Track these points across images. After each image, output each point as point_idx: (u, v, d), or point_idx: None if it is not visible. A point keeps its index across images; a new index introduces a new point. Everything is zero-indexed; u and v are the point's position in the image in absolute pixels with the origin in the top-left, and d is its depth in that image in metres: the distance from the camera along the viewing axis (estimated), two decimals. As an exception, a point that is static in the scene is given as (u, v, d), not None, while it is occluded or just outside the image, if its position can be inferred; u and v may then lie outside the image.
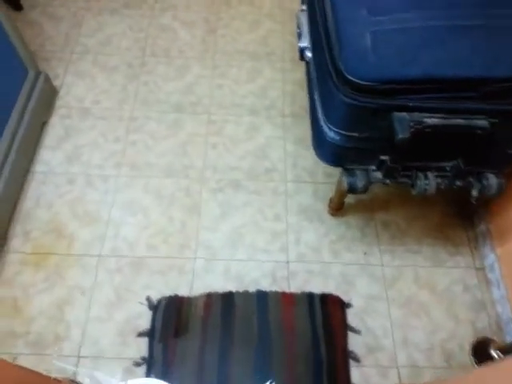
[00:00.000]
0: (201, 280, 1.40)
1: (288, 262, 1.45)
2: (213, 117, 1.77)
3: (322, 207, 1.56)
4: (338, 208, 1.47)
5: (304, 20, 1.25)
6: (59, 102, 1.77)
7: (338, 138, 1.04)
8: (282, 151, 1.69)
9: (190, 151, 1.67)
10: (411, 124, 0.91)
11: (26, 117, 1.59)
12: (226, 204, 1.55)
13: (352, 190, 1.12)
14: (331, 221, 1.54)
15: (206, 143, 1.70)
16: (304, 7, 1.30)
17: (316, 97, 1.14)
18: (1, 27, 1.44)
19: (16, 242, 1.45)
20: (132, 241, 1.46)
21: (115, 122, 1.73)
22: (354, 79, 0.90)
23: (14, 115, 1.55)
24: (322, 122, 1.06)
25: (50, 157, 1.63)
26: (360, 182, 1.09)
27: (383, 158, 1.06)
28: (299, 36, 1.29)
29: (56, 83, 1.81)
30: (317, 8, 1.11)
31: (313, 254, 1.47)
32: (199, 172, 1.62)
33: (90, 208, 1.52)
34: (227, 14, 2.09)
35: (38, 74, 1.67)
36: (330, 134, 1.05)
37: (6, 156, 1.48)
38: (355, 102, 0.93)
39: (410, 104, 0.92)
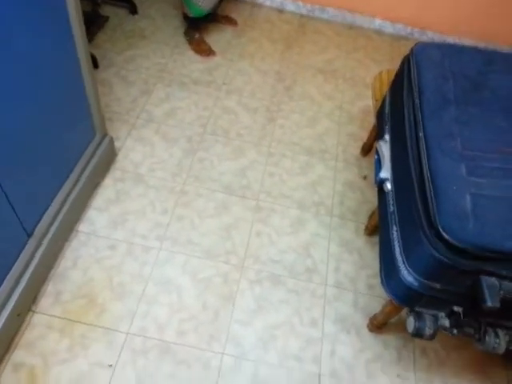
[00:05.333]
0: (226, 380, 1.31)
1: (320, 376, 1.36)
2: (261, 203, 1.77)
3: (361, 320, 1.49)
4: (380, 327, 1.40)
5: (386, 151, 1.26)
6: (116, 165, 1.82)
7: (416, 284, 1.01)
8: (325, 252, 1.66)
9: (234, 235, 1.66)
10: (501, 293, 0.88)
11: (83, 177, 1.62)
12: (263, 299, 1.50)
13: (418, 335, 1.06)
14: (369, 336, 1.46)
15: (251, 230, 1.69)
16: (386, 137, 1.31)
17: (394, 232, 1.12)
18: (82, 88, 1.51)
19: (45, 302, 1.42)
20: (162, 322, 1.41)
21: (166, 194, 1.75)
22: (450, 240, 0.89)
23: (73, 176, 1.58)
24: (400, 263, 1.04)
25: (96, 218, 1.64)
26: (429, 329, 1.04)
27: (457, 309, 1.02)
28: (378, 164, 1.29)
29: (116, 145, 1.88)
30: (409, 151, 1.11)
31: (346, 371, 1.38)
32: (240, 259, 1.59)
33: (126, 279, 1.49)
34: (288, 106, 2.18)
35: (103, 136, 1.74)
36: (409, 278, 1.03)
37: (56, 214, 1.50)
38: (446, 260, 0.91)
39: (504, 272, 0.90)
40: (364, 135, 2.05)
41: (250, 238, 1.66)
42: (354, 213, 1.79)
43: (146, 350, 1.34)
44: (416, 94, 1.15)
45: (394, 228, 1.10)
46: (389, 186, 1.20)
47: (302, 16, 2.71)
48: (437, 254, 0.92)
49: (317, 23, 2.69)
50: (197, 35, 2.37)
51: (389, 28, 2.68)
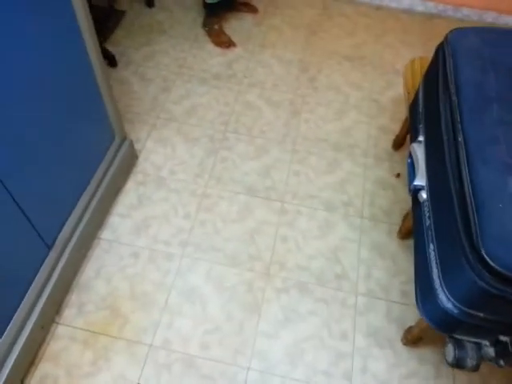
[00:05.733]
0: (252, 397, 1.27)
1: (350, 392, 1.29)
2: (286, 205, 1.69)
3: (395, 333, 1.40)
4: (416, 342, 1.31)
5: (420, 154, 1.13)
6: (137, 168, 1.77)
7: (456, 311, 0.90)
8: (355, 257, 1.56)
9: (258, 241, 1.59)
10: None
11: (104, 183, 1.59)
12: (290, 309, 1.44)
13: (458, 366, 0.97)
14: (404, 350, 1.37)
15: (276, 234, 1.61)
16: (421, 138, 1.18)
17: (431, 251, 1.00)
18: (97, 92, 1.46)
19: (69, 314, 1.40)
20: (186, 334, 1.37)
21: (188, 197, 1.69)
22: (496, 267, 0.78)
23: (93, 182, 1.54)
24: (438, 286, 0.94)
25: (119, 224, 1.61)
26: (470, 360, 0.94)
27: (503, 339, 0.91)
28: (412, 169, 1.16)
29: (137, 147, 1.83)
30: (447, 158, 0.97)
31: (379, 388, 1.30)
32: (265, 266, 1.53)
33: (149, 289, 1.46)
34: (313, 99, 2.07)
35: (123, 139, 1.69)
36: (448, 304, 0.92)
37: (78, 223, 1.47)
38: (491, 289, 0.80)
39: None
40: (395, 128, 1.91)
41: (275, 242, 1.59)
42: (386, 213, 1.68)
43: (169, 364, 1.31)
44: (453, 91, 1.02)
45: (431, 246, 1.00)
46: (424, 195, 1.08)
47: (326, -2, 2.55)
48: (480, 282, 0.81)
49: (342, 5, 2.52)
50: (216, 26, 2.28)
51: (419, 6, 2.49)
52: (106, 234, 1.58)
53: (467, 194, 0.86)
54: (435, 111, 1.07)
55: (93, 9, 2.39)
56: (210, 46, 2.26)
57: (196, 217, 1.64)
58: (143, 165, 1.79)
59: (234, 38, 2.28)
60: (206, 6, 2.24)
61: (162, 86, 2.08)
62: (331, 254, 1.57)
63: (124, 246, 1.56)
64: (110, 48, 2.21)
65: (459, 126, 0.94)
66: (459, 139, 0.92)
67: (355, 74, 2.18)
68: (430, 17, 2.49)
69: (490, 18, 2.45)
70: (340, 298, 1.47)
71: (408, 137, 1.63)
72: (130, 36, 2.29)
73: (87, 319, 1.40)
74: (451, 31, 1.17)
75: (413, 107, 1.37)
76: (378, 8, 2.51)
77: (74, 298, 1.44)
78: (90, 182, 1.54)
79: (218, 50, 2.24)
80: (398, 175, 1.76)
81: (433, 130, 1.10)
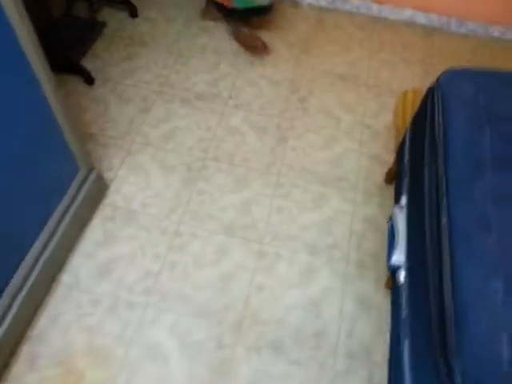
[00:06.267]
0: None
1: None
2: (265, 247, 1.55)
3: (377, 401, 1.26)
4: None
5: (401, 223, 0.97)
6: (106, 200, 1.64)
7: None
8: (337, 310, 1.42)
9: (232, 289, 1.45)
10: None
11: (67, 219, 1.46)
12: (261, 372, 1.30)
13: None
14: (385, 423, 1.23)
15: (251, 282, 1.47)
16: (403, 201, 1.02)
17: (405, 348, 0.85)
18: (54, 123, 1.32)
19: (19, 368, 1.28)
20: (144, 399, 1.24)
21: (159, 235, 1.56)
22: None
23: (54, 218, 1.42)
24: None
25: (81, 266, 1.48)
26: None
27: None
28: (392, 238, 1.01)
29: (108, 175, 1.70)
30: (428, 240, 0.81)
31: None
32: (237, 319, 1.39)
33: (108, 342, 1.33)
34: (302, 123, 1.91)
35: (90, 171, 1.56)
36: None
37: (34, 265, 1.34)
38: None
39: None
40: (389, 158, 1.76)
41: (250, 291, 1.45)
42: (373, 258, 1.53)
43: None
44: (440, 152, 0.86)
45: (406, 342, 0.85)
46: (402, 278, 0.93)
47: (321, 9, 2.39)
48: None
49: (338, 16, 2.35)
50: (245, 29, 2.03)
51: (421, 18, 2.31)
52: (65, 277, 1.45)
53: (446, 295, 0.71)
54: (420, 172, 0.92)
55: (73, 20, 2.31)
56: (196, 62, 2.11)
57: (166, 258, 1.51)
58: (113, 196, 1.65)
59: (216, 55, 2.13)
60: (231, 12, 2.02)
61: (140, 107, 1.94)
62: (311, 306, 1.43)
63: (84, 292, 1.42)
64: (89, 62, 2.08)
65: (444, 201, 0.79)
66: (443, 221, 0.77)
67: (348, 96, 2.02)
68: (431, 31, 2.31)
69: (497, 32, 2.28)
70: (319, 358, 1.32)
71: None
72: (110, 49, 2.15)
73: (39, 375, 1.27)
74: (444, 73, 1.01)
75: (399, 154, 1.22)
76: (376, 20, 2.34)
77: (25, 349, 1.31)
78: (50, 218, 1.42)
79: (204, 66, 2.09)
80: (391, 219, 1.61)
81: (416, 196, 0.95)
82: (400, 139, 1.29)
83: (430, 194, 0.85)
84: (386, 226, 1.59)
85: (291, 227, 1.60)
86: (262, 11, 2.01)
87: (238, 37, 2.09)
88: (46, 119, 1.29)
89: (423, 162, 0.91)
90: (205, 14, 2.24)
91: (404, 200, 1.02)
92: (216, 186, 1.70)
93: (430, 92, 1.01)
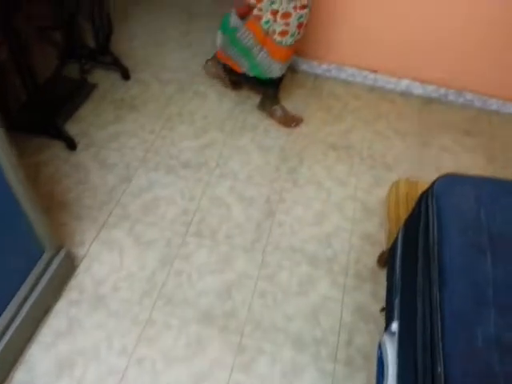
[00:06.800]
0: None
1: None
2: (245, 341, 1.40)
3: None
4: None
5: (391, 354, 0.83)
6: (73, 282, 1.51)
7: None
8: (323, 421, 1.26)
9: (206, 390, 1.29)
10: None
11: (28, 304, 1.33)
12: None
13: None
14: None
15: (228, 381, 1.31)
16: (394, 327, 0.89)
17: None
18: (19, 207, 1.22)
19: None
20: None
21: (128, 324, 1.41)
22: None
23: (13, 304, 1.29)
24: None
25: (38, 360, 1.32)
26: None
27: None
28: (381, 369, 0.86)
29: (79, 251, 1.58)
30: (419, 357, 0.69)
31: None
32: (209, 430, 1.22)
33: None
34: (291, 195, 1.81)
35: (57, 250, 1.44)
36: None
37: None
38: None
39: None
40: (382, 238, 1.65)
41: (225, 395, 1.29)
42: (364, 357, 1.38)
43: None
44: (434, 278, 0.74)
45: None
46: None
47: (316, 76, 2.36)
48: None
49: (333, 84, 2.32)
50: (278, 106, 2.06)
51: (418, 89, 2.27)
52: (19, 373, 1.30)
53: None
54: (412, 297, 0.80)
55: (63, 81, 2.27)
56: (183, 128, 2.04)
57: (133, 353, 1.36)
58: (81, 277, 1.52)
59: (207, 121, 2.08)
60: (269, 83, 1.98)
61: (122, 175, 1.84)
62: (293, 415, 1.26)
63: (39, 392, 1.27)
64: (74, 124, 2.02)
65: (439, 346, 0.66)
66: (438, 371, 0.64)
67: (340, 167, 1.93)
68: (428, 101, 2.26)
69: (495, 105, 2.22)
70: None
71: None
72: (97, 112, 2.09)
73: None
74: (438, 179, 0.91)
75: (390, 263, 1.09)
76: (372, 89, 2.30)
77: None
78: (9, 305, 1.29)
79: (190, 133, 2.03)
80: (383, 309, 1.47)
81: (408, 327, 0.82)
82: (392, 239, 1.18)
83: (423, 328, 0.72)
84: (379, 319, 1.46)
85: (275, 316, 1.46)
86: (275, 82, 2.00)
87: (273, 113, 2.08)
88: (8, 203, 1.19)
89: (416, 288, 0.79)
90: (208, 68, 2.22)
91: (395, 326, 0.89)
92: (196, 265, 1.58)
93: (424, 199, 0.91)
